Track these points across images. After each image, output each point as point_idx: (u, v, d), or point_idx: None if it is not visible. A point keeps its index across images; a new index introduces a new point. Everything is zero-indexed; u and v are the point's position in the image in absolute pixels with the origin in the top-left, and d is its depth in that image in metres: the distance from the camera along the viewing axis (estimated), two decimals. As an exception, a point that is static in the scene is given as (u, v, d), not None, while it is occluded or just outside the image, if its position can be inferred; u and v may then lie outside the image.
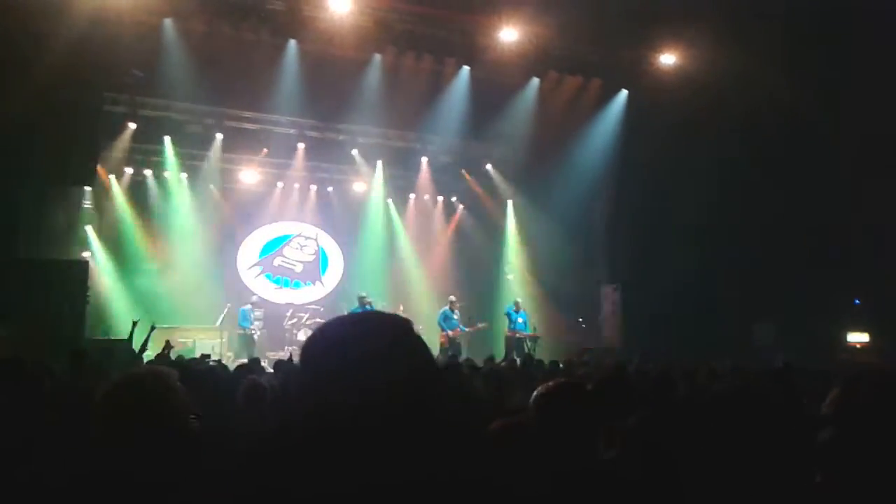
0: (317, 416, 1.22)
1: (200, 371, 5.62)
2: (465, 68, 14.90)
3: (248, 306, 15.63)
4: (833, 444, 1.39)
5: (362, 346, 1.24)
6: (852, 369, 1.47)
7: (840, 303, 14.51)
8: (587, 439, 2.50)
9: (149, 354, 9.81)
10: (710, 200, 14.33)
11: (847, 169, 13.04)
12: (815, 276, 13.46)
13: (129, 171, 16.72)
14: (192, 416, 2.12)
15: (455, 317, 15.01)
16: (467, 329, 15.35)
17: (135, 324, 9.18)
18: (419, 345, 1.29)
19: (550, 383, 2.66)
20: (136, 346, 9.36)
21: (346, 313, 1.36)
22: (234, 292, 17.61)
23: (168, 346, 8.82)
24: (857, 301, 14.99)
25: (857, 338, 14.91)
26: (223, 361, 11.89)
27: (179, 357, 9.20)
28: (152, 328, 9.11)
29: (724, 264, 14.29)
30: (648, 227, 15.17)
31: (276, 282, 18.91)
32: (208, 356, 8.61)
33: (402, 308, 16.08)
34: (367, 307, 14.22)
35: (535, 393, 2.56)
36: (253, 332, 15.36)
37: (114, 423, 1.98)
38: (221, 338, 15.44)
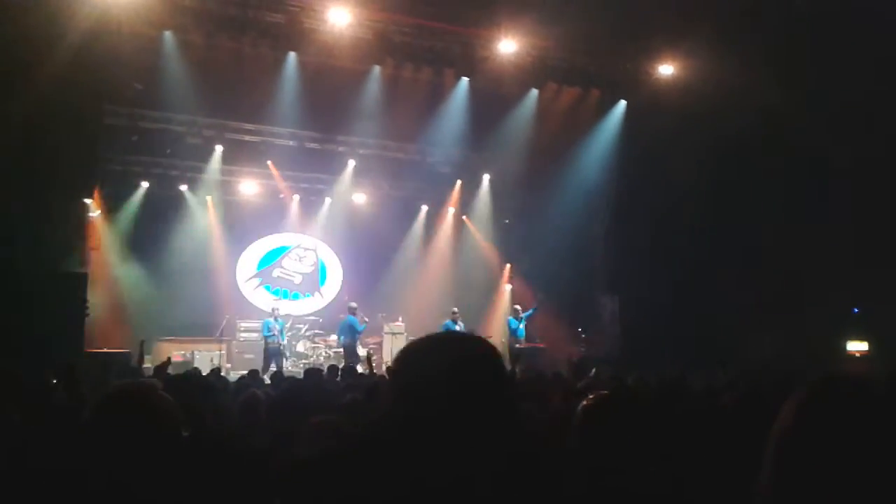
0: (403, 420, 1.37)
1: (198, 383, 5.61)
2: (464, 80, 14.97)
3: (270, 318, 15.33)
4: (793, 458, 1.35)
5: (446, 361, 1.41)
6: (814, 377, 1.43)
7: (839, 311, 14.52)
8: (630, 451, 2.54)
9: (147, 368, 9.77)
10: (709, 210, 14.37)
11: (845, 177, 13.08)
12: (815, 284, 13.48)
13: (128, 182, 16.71)
14: (182, 427, 2.14)
15: (457, 328, 15.01)
16: None
17: (143, 343, 8.93)
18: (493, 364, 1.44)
19: (593, 396, 2.70)
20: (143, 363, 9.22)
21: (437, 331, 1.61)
22: (232, 304, 17.61)
23: (168, 361, 8.74)
24: (856, 310, 15.00)
25: (857, 346, 14.91)
26: (222, 373, 11.91)
27: (195, 369, 8.99)
28: (142, 343, 8.93)
29: (722, 274, 14.30)
30: (647, 237, 15.19)
31: (275, 293, 18.89)
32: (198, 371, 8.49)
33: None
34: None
35: (582, 404, 2.62)
36: (272, 342, 14.86)
37: (104, 433, 2.00)
38: (220, 349, 15.40)
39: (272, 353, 14.53)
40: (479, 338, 1.54)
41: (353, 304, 15.16)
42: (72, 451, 2.37)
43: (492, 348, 1.48)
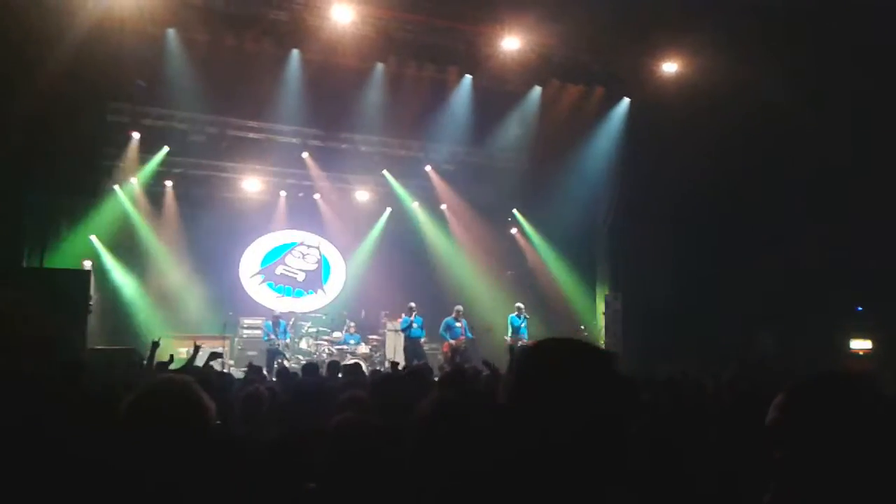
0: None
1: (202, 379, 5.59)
2: (468, 77, 14.94)
3: (270, 321, 15.73)
4: (782, 458, 1.35)
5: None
6: (801, 375, 1.44)
7: (843, 310, 14.50)
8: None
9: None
10: (713, 207, 14.34)
11: (849, 175, 13.04)
12: (818, 282, 13.45)
13: (132, 180, 16.72)
14: (217, 422, 2.17)
15: (458, 325, 15.03)
16: (473, 336, 15.37)
17: (155, 344, 8.68)
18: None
19: None
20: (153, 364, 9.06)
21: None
22: (236, 301, 17.65)
23: (171, 359, 8.66)
24: (860, 308, 14.97)
25: (860, 345, 14.88)
26: (224, 370, 11.93)
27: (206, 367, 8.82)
28: (155, 344, 8.72)
29: (726, 271, 14.28)
30: (651, 235, 15.16)
31: (278, 290, 18.92)
32: (220, 354, 8.43)
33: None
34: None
35: None
36: (272, 345, 15.35)
37: (142, 427, 2.01)
38: (223, 346, 15.43)
39: (273, 354, 14.86)
40: (610, 352, 1.48)
41: (411, 304, 15.54)
42: (108, 444, 2.39)
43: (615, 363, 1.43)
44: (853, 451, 1.27)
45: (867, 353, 14.68)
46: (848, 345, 14.86)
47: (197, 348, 8.56)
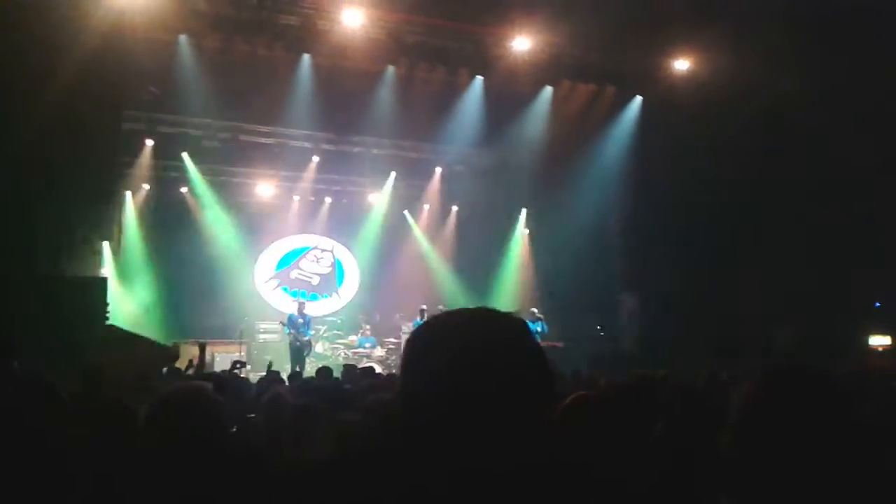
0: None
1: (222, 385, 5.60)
2: (479, 78, 14.92)
3: (295, 312, 15.04)
4: (739, 448, 1.38)
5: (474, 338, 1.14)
6: (768, 366, 1.47)
7: (861, 306, 14.38)
8: (612, 449, 2.49)
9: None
10: (728, 205, 14.26)
11: (866, 171, 12.94)
12: (836, 278, 13.35)
13: (146, 187, 16.84)
14: (232, 428, 2.16)
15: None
16: None
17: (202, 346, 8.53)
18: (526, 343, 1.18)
19: (574, 395, 2.65)
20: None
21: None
22: (251, 306, 17.69)
23: (190, 364, 8.72)
24: (878, 304, 14.86)
25: (879, 341, 14.76)
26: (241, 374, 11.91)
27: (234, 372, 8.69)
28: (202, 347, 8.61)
29: (742, 269, 14.19)
30: (666, 234, 15.09)
31: (293, 294, 18.95)
32: (243, 363, 8.33)
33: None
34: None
35: (562, 405, 2.56)
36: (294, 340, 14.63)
37: (160, 437, 2.00)
38: (240, 351, 15.44)
39: (294, 352, 14.49)
40: (513, 317, 1.20)
41: (422, 307, 15.05)
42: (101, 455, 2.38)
43: (524, 331, 1.18)
44: (808, 443, 1.30)
45: (886, 350, 14.56)
46: (867, 341, 14.75)
47: (203, 347, 8.51)
